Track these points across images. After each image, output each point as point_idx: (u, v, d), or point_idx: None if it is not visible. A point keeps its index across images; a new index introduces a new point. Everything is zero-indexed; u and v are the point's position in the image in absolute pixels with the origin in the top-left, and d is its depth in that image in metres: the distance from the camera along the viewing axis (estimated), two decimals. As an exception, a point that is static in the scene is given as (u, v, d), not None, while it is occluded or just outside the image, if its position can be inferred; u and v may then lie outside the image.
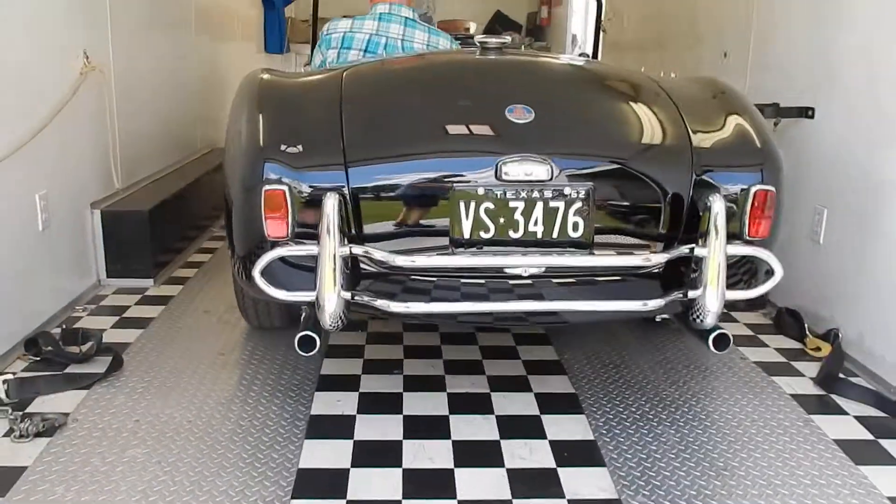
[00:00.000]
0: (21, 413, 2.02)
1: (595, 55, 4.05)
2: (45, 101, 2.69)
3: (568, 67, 2.52)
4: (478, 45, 2.22)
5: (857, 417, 2.20)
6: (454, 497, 1.78)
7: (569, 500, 1.78)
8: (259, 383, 2.33)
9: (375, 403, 2.22)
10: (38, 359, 2.37)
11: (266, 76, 2.10)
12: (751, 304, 3.05)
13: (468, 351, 2.60)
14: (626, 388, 2.35)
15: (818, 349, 2.63)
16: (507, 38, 2.26)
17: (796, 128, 2.95)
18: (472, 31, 2.24)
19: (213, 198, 4.00)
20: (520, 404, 2.23)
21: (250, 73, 2.14)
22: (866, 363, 2.47)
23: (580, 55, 4.42)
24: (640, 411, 2.20)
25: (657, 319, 2.59)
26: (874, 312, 2.46)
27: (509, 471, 1.89)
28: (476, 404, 2.23)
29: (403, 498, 1.77)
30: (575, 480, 1.85)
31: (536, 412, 2.19)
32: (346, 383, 2.34)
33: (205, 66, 4.89)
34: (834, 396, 2.32)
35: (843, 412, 2.23)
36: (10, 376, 2.14)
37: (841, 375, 2.42)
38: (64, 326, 2.57)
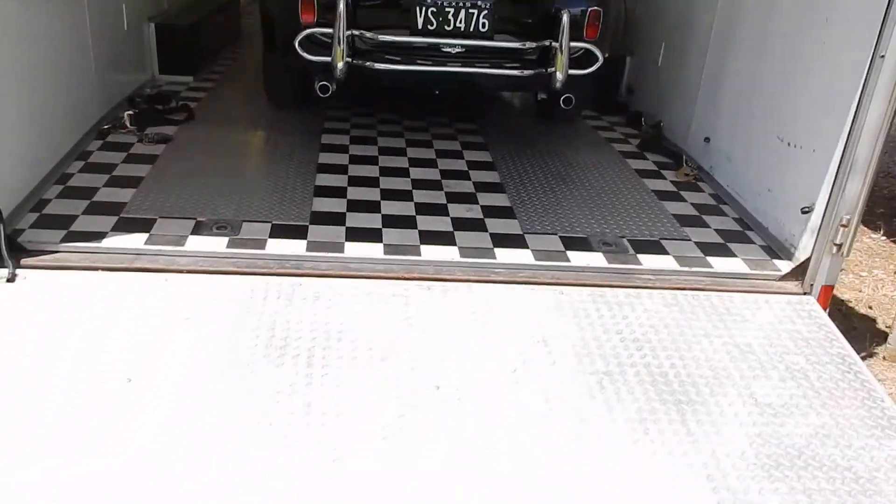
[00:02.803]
0: (143, 133, 3.31)
1: None
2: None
3: None
4: None
5: (653, 161, 3.65)
6: (408, 177, 3.17)
7: (474, 182, 3.20)
8: (283, 127, 3.67)
9: (359, 139, 3.60)
10: (137, 110, 3.62)
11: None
12: (617, 112, 4.45)
13: (424, 136, 3.90)
14: (519, 146, 3.74)
15: (647, 133, 4.06)
16: None
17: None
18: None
19: (231, 25, 5.24)
20: (449, 145, 3.63)
21: None
22: (671, 138, 3.91)
23: None
24: (523, 152, 3.62)
25: (539, 98, 3.97)
26: (676, 107, 3.86)
27: (441, 170, 3.30)
28: (425, 145, 3.61)
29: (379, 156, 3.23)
30: (477, 174, 3.28)
31: (459, 148, 3.59)
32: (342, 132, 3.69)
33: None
34: (647, 154, 3.76)
35: (644, 158, 3.69)
36: (131, 112, 3.41)
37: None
38: (150, 90, 3.84)
